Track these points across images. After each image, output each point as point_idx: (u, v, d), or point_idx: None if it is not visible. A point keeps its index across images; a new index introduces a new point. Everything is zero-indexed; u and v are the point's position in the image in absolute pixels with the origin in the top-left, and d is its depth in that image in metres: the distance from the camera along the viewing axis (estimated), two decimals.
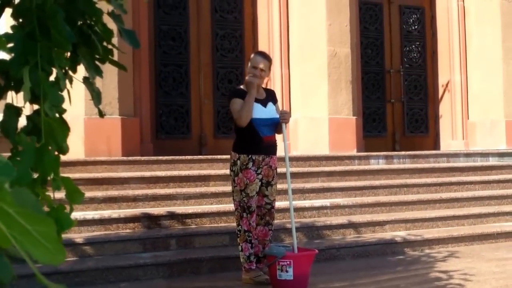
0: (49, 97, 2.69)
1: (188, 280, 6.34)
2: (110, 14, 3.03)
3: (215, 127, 10.50)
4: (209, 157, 9.00)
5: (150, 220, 7.20)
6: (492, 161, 11.19)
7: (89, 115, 8.42)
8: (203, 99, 10.45)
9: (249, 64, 6.16)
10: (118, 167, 8.24)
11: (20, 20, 2.80)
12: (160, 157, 8.65)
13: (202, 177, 8.35)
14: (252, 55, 6.26)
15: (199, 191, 7.96)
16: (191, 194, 7.87)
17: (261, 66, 6.09)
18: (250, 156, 6.01)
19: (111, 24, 3.04)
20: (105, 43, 3.04)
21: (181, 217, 7.36)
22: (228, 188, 7.76)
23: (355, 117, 10.64)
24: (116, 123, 8.67)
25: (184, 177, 8.25)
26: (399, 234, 8.08)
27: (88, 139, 8.44)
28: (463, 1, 12.72)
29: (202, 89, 10.47)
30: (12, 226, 1.23)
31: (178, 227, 7.28)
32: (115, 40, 3.17)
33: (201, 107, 10.44)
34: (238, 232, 6.09)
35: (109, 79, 8.49)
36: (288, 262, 5.73)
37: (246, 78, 6.07)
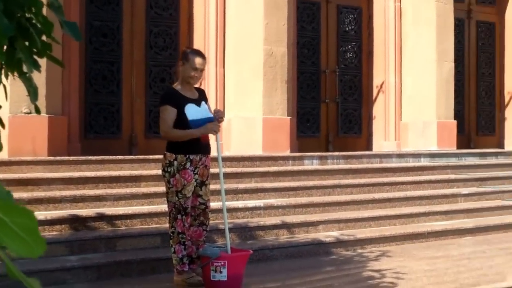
0: None
1: (117, 283, 6.22)
2: (50, 6, 2.90)
3: (147, 127, 10.31)
4: (141, 157, 8.84)
5: (78, 222, 7.00)
6: (424, 162, 11.32)
7: (14, 113, 8.14)
8: (134, 98, 10.25)
9: (184, 64, 6.09)
10: (44, 167, 7.99)
11: None
12: (90, 157, 8.44)
13: (133, 177, 8.19)
14: (187, 54, 6.16)
15: (130, 192, 7.80)
16: (122, 195, 7.71)
17: (201, 66, 6.11)
18: (187, 156, 5.95)
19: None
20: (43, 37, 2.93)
21: (111, 219, 7.20)
22: (160, 189, 7.66)
23: (289, 117, 10.60)
24: (43, 121, 8.39)
25: (114, 178, 8.07)
26: (332, 234, 8.09)
27: (12, 138, 8.09)
28: (400, 2, 12.83)
29: (134, 88, 10.27)
30: None
31: (107, 228, 7.11)
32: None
33: (133, 106, 10.23)
34: (171, 234, 6.03)
35: (36, 75, 8.13)
36: (222, 263, 5.71)
37: (211, 126, 5.96)
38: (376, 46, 12.94)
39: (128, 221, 7.29)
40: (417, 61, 12.70)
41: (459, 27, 14.14)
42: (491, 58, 15.01)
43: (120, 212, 7.30)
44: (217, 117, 6.08)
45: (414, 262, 7.29)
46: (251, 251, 6.18)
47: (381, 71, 12.91)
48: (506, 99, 15.02)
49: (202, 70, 6.14)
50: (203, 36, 10.71)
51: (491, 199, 10.45)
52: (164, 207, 7.21)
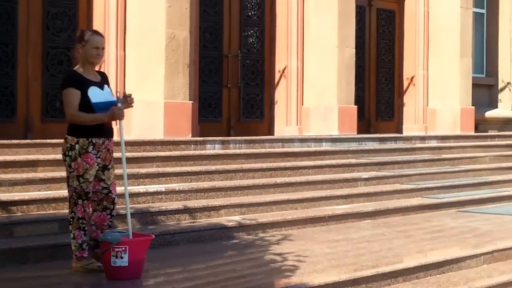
0: None
1: (13, 271, 6.00)
2: None
3: (43, 110, 9.97)
4: (38, 141, 8.58)
5: None
6: (325, 147, 11.45)
7: None
8: (30, 81, 9.91)
9: (84, 45, 5.97)
10: None
11: None
12: None
13: (29, 162, 7.94)
14: (85, 35, 6.03)
15: (26, 177, 7.55)
16: (17, 180, 7.44)
17: (102, 45, 6.05)
18: (90, 139, 5.86)
19: None
20: None
21: (6, 205, 6.94)
22: (58, 174, 7.50)
23: (191, 101, 10.52)
24: None
25: (10, 162, 7.78)
26: (234, 218, 8.07)
27: None
28: None
29: (30, 70, 9.90)
30: None
31: (2, 215, 6.85)
32: None
33: (28, 89, 9.86)
34: (71, 219, 5.91)
35: None
36: (123, 248, 5.61)
37: (118, 112, 5.85)
38: (279, 32, 12.98)
39: (25, 207, 7.04)
40: (319, 46, 12.83)
41: (360, 14, 14.36)
42: (391, 45, 15.33)
43: (16, 198, 7.05)
44: (129, 102, 6.01)
45: (316, 245, 7.34)
46: (153, 236, 6.11)
47: (284, 56, 12.96)
48: (405, 85, 15.39)
49: (103, 48, 6.07)
50: (103, 17, 10.47)
51: (390, 183, 10.67)
52: (62, 193, 7.06)
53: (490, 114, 16.48)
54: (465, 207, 10.30)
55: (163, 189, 8.19)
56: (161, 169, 8.74)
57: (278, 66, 12.99)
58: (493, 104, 17.02)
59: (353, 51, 13.05)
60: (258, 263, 6.50)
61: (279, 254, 6.78)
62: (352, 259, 6.66)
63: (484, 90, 16.94)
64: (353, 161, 11.02)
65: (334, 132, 12.43)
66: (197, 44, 11.37)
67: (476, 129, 15.42)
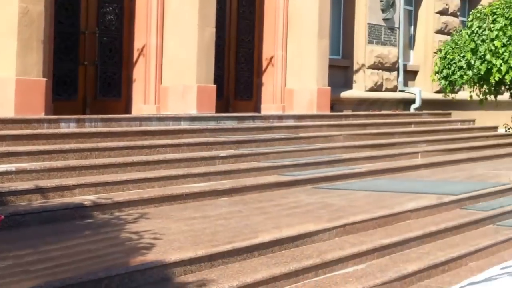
0: None
1: None
2: None
3: None
4: None
5: None
6: (184, 125, 11.40)
7: None
8: None
9: None
10: None
11: None
12: None
13: None
14: None
15: None
16: None
17: None
18: None
19: None
20: None
21: None
22: None
23: (45, 79, 10.21)
24: None
25: None
26: (89, 198, 7.89)
27: None
28: None
29: None
30: None
31: None
32: None
33: None
34: None
35: None
36: None
37: None
38: (138, 9, 12.80)
39: None
40: (180, 25, 12.74)
41: None
42: (251, 25, 15.43)
43: None
44: None
45: (172, 223, 7.31)
46: (2, 217, 5.83)
47: (143, 34, 12.81)
48: (264, 65, 15.56)
49: None
50: None
51: (247, 161, 10.75)
52: None
53: (345, 94, 16.97)
54: (320, 183, 10.54)
55: (13, 169, 7.89)
56: (11, 148, 8.41)
57: (137, 44, 12.81)
58: (349, 85, 17.53)
59: (214, 30, 13.03)
60: (114, 242, 6.40)
61: (136, 233, 6.70)
62: (209, 236, 6.67)
63: (340, 72, 17.41)
64: (211, 139, 11.03)
65: (193, 111, 12.41)
66: (53, 20, 11.06)
67: (332, 109, 15.83)
